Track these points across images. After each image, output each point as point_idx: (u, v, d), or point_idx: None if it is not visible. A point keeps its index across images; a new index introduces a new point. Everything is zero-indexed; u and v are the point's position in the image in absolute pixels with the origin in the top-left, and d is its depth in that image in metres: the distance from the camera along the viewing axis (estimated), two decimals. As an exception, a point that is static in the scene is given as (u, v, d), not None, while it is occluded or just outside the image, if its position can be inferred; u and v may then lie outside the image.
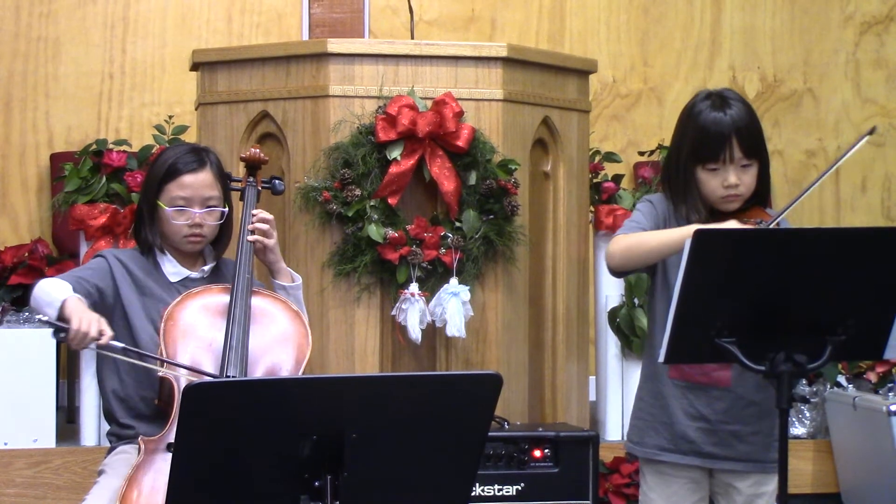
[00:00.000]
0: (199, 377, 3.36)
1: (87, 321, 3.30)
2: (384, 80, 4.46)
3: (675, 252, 3.39)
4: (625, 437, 3.81)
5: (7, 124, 6.63)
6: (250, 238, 3.73)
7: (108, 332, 3.34)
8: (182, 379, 3.41)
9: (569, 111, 4.80)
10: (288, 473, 2.66)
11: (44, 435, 5.18)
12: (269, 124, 4.58)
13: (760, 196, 3.50)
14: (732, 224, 3.32)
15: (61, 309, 3.35)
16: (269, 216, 3.79)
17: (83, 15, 6.72)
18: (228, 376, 3.40)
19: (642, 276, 5.28)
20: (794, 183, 7.31)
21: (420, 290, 4.38)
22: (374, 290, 4.44)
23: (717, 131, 3.41)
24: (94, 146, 5.45)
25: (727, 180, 3.42)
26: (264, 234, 3.75)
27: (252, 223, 3.74)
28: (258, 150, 3.92)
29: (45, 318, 3.34)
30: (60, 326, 3.30)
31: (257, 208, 3.81)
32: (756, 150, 3.45)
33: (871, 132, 3.42)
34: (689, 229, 3.30)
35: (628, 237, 3.48)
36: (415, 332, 4.36)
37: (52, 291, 3.41)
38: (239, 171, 4.13)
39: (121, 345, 3.38)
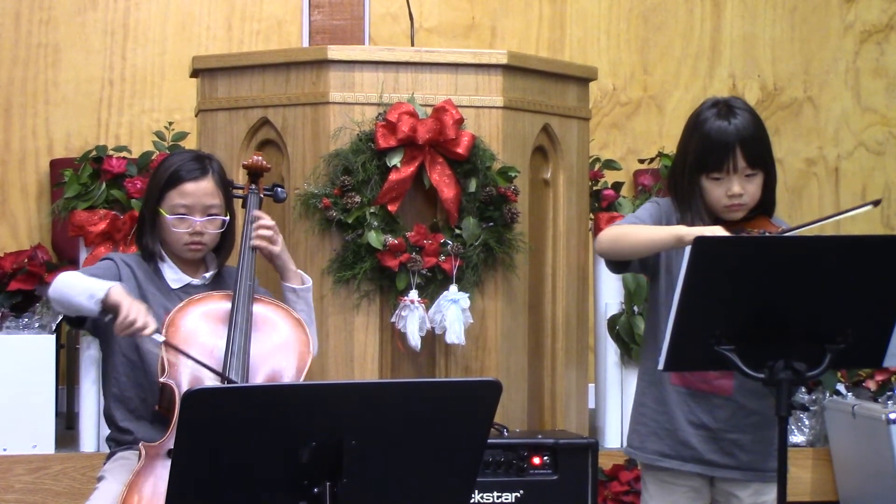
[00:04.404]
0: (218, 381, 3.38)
1: (135, 310, 3.37)
2: (384, 87, 4.46)
3: (657, 250, 3.43)
4: (624, 444, 3.80)
5: (7, 130, 6.63)
6: (255, 243, 3.73)
7: (153, 325, 3.39)
8: (183, 385, 3.42)
9: (569, 119, 4.80)
10: (287, 480, 2.66)
11: (43, 441, 5.19)
12: (269, 131, 4.58)
13: (765, 206, 3.50)
14: (718, 230, 3.30)
15: (107, 296, 3.39)
16: (271, 222, 3.79)
17: (83, 21, 6.72)
18: (230, 382, 3.41)
19: (642, 282, 5.29)
20: (793, 191, 7.33)
21: (419, 297, 4.38)
22: (374, 296, 4.43)
23: (720, 140, 3.41)
24: (94, 152, 5.45)
25: (731, 190, 3.42)
26: (269, 240, 3.75)
27: (255, 232, 3.74)
28: (260, 158, 3.92)
29: (86, 303, 3.38)
30: (109, 311, 3.37)
31: (259, 213, 3.81)
32: (761, 160, 3.44)
33: (877, 203, 3.44)
34: (675, 230, 3.34)
35: (620, 227, 3.51)
36: (414, 339, 4.36)
37: (85, 282, 3.45)
38: (239, 178, 4.13)
39: (162, 338, 3.42)
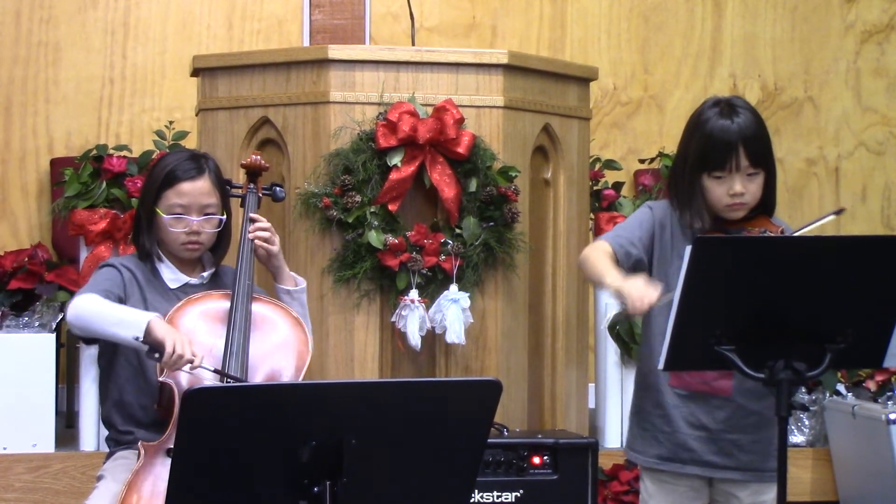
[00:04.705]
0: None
1: (180, 343, 3.33)
2: (385, 86, 4.46)
3: (599, 288, 3.46)
4: (624, 444, 3.80)
5: (7, 129, 6.63)
6: (255, 244, 3.73)
7: (200, 354, 3.36)
8: (182, 384, 3.41)
9: (569, 118, 4.80)
10: (287, 479, 2.66)
11: (43, 440, 5.19)
12: (269, 130, 4.58)
13: (766, 205, 3.50)
14: (638, 281, 3.27)
15: (148, 331, 3.35)
16: (267, 223, 3.79)
17: (84, 20, 6.72)
18: (228, 382, 3.40)
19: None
20: (794, 191, 7.32)
21: (420, 296, 4.38)
22: (374, 296, 4.43)
23: (723, 139, 3.41)
24: (95, 151, 5.46)
25: (733, 189, 3.42)
26: (266, 241, 3.76)
27: (252, 233, 3.74)
28: (259, 157, 3.92)
29: (130, 339, 3.34)
30: (155, 349, 3.31)
31: (255, 216, 3.81)
32: (762, 159, 3.44)
33: (839, 212, 3.45)
34: (602, 275, 3.34)
35: (593, 250, 3.49)
36: (414, 339, 4.36)
37: (115, 311, 3.41)
38: (239, 177, 4.13)
39: (212, 367, 3.38)
